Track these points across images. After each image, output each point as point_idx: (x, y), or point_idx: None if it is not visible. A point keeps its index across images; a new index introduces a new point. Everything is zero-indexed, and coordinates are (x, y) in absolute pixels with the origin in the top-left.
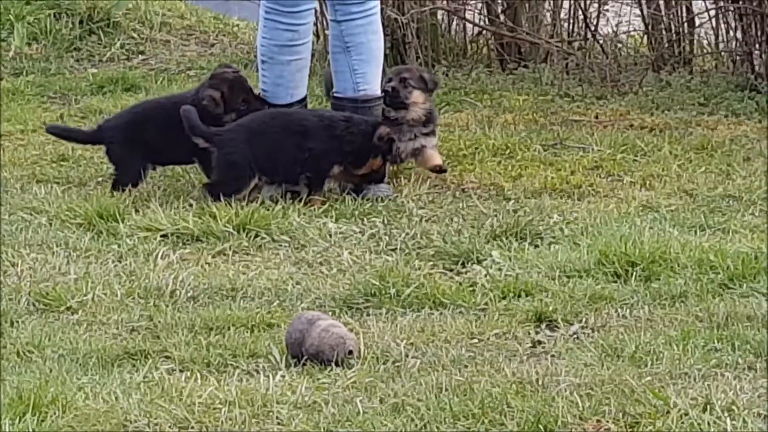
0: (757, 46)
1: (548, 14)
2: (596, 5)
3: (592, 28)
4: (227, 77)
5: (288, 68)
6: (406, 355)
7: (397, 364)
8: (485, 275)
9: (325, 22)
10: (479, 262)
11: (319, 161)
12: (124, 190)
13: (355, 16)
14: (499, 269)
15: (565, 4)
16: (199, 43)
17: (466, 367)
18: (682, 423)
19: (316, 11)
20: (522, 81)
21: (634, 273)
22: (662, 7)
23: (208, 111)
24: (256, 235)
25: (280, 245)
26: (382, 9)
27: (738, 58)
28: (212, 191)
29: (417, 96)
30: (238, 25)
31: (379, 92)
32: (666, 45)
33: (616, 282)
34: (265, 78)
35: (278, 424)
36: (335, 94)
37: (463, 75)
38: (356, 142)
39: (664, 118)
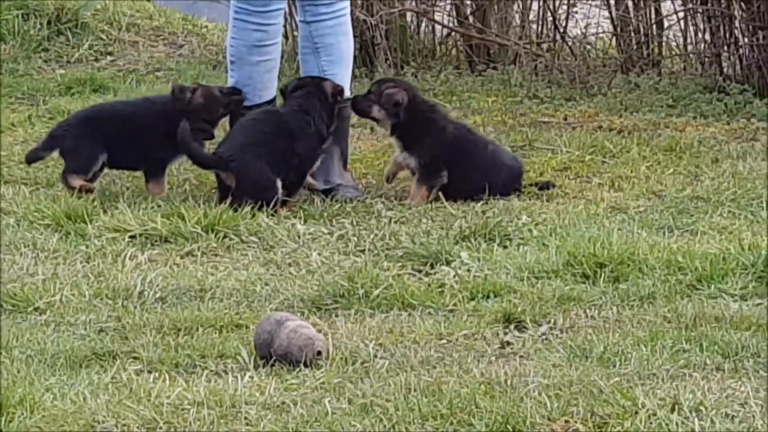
0: (725, 48)
1: (517, 16)
2: (565, 7)
3: (561, 30)
4: (201, 103)
5: (257, 69)
6: (375, 356)
7: (365, 364)
8: (454, 276)
9: (293, 24)
10: (448, 263)
11: (305, 165)
12: (70, 181)
13: (325, 17)
14: (468, 270)
15: (534, 6)
16: (167, 44)
17: (434, 367)
18: (650, 423)
19: (285, 12)
20: (491, 82)
21: (603, 274)
22: (631, 9)
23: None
24: (225, 236)
25: (249, 246)
26: (350, 10)
27: (706, 60)
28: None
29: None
30: (206, 26)
31: (348, 93)
32: (635, 47)
33: (584, 283)
34: (234, 78)
35: (247, 424)
36: None
37: (432, 76)
38: (326, 125)
39: (633, 120)
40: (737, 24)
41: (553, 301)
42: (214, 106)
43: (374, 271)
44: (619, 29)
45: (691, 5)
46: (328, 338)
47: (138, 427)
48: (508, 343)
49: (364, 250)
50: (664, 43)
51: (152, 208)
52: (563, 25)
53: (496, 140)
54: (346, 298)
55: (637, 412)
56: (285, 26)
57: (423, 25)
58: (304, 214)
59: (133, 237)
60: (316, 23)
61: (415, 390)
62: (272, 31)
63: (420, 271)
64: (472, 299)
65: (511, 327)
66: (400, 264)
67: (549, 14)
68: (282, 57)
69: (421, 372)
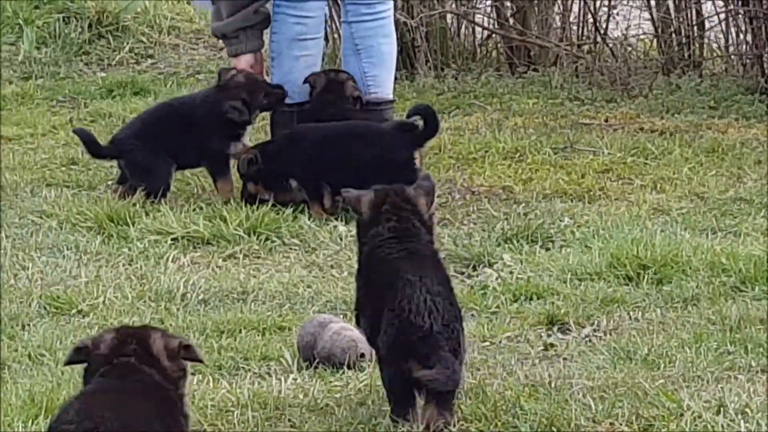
0: (767, 49)
1: (557, 17)
2: (605, 8)
3: (602, 32)
4: (241, 82)
5: (297, 64)
6: None
7: None
8: (496, 278)
9: (333, 26)
10: (490, 265)
11: None
12: (154, 196)
13: (365, 18)
14: (511, 272)
15: (575, 8)
16: (207, 46)
17: (478, 369)
18: (696, 426)
19: (326, 15)
20: (531, 84)
21: (646, 276)
22: (672, 11)
23: (234, 120)
24: (267, 239)
25: (291, 248)
26: None
27: (748, 61)
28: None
29: None
30: None
31: (390, 96)
32: (676, 48)
33: (627, 285)
34: (275, 75)
35: (291, 426)
36: None
37: (473, 78)
38: None
39: (675, 122)
40: None
41: (597, 303)
42: (254, 89)
43: None
44: (660, 31)
45: (732, 6)
46: None
47: None
48: (552, 345)
49: None
50: (705, 45)
51: (194, 210)
52: (604, 26)
53: (537, 142)
54: None
55: (682, 415)
56: (326, 29)
57: (463, 27)
58: (345, 216)
59: (175, 239)
60: (357, 24)
61: (459, 391)
62: (312, 24)
63: (462, 273)
64: (515, 301)
65: (555, 329)
66: None
67: (589, 16)
68: (322, 60)
69: (465, 374)
